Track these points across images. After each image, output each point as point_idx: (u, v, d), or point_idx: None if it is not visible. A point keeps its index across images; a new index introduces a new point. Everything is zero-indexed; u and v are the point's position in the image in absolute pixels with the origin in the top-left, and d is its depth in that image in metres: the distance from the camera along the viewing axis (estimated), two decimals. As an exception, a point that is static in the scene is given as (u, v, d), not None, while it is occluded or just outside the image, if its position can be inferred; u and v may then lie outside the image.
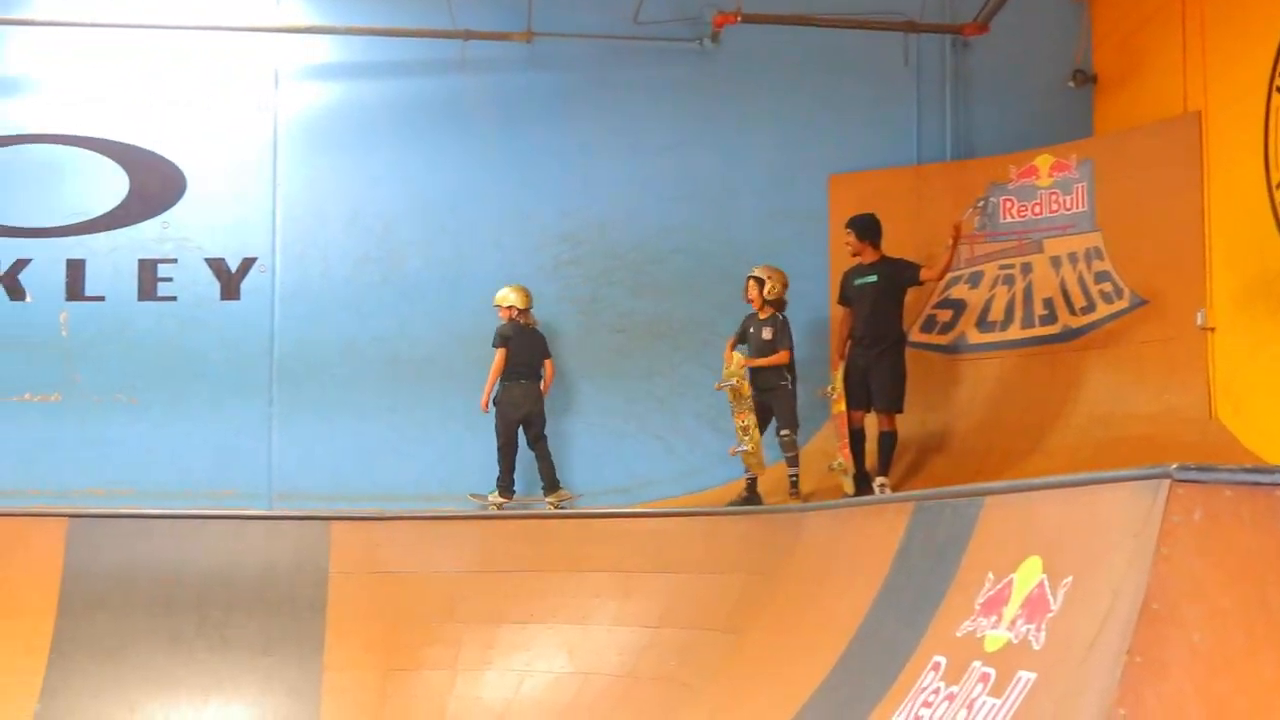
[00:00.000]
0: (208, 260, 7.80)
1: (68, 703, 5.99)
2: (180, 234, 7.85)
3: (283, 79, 7.77)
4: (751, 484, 6.66)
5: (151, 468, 7.46)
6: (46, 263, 7.72)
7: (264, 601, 6.38)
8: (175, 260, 7.81)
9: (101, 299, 7.77)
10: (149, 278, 7.82)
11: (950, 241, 6.38)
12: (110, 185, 7.82)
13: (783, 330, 6.62)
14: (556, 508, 6.79)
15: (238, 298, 7.76)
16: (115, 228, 7.77)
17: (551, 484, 6.91)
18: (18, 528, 6.90)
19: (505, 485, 6.91)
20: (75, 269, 7.77)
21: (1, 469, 7.78)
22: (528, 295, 7.02)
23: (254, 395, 7.63)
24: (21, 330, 7.65)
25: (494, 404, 6.91)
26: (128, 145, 7.80)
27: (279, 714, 6.05)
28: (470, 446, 7.41)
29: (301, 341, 7.60)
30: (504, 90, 7.73)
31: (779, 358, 6.56)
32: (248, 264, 7.84)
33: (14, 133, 7.75)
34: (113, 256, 7.75)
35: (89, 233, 7.79)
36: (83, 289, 7.79)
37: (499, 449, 6.91)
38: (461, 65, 7.70)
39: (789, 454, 6.53)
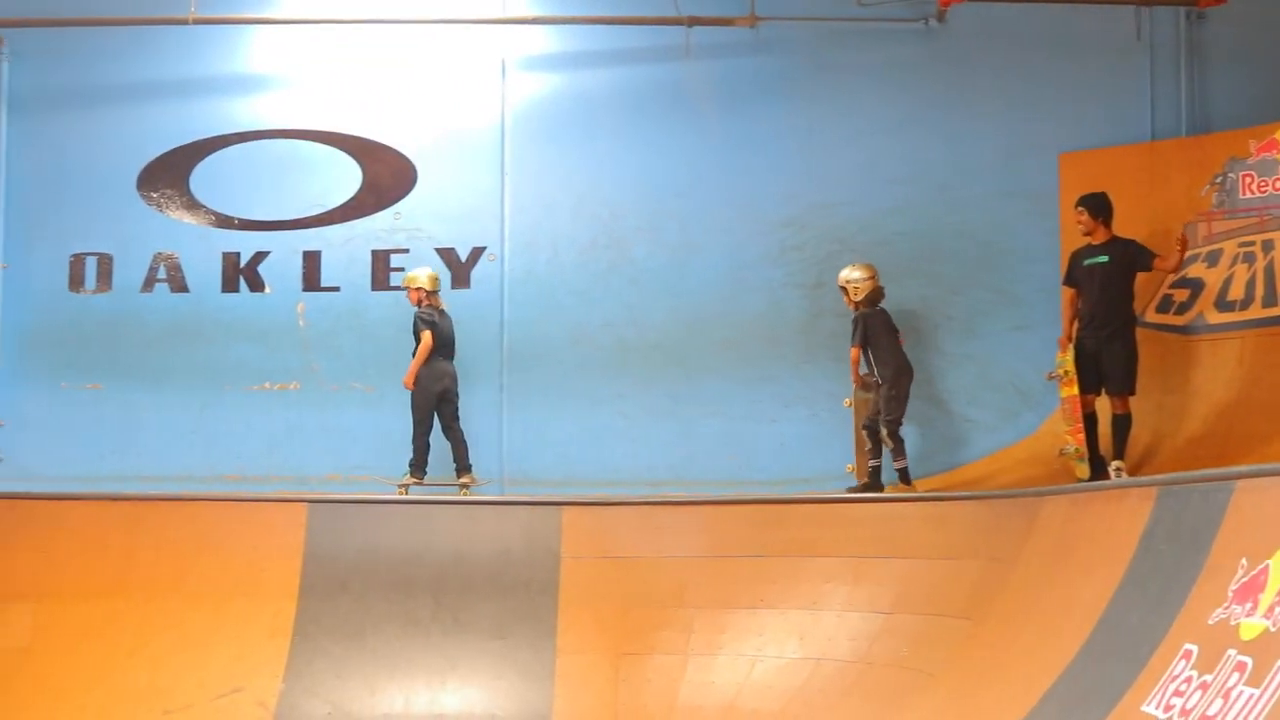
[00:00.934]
0: (438, 250, 9.45)
1: (310, 682, 7.11)
2: (411, 224, 9.51)
3: (509, 69, 9.38)
4: (875, 471, 8.05)
5: (387, 454, 8.91)
6: (284, 255, 9.48)
7: (497, 585, 7.40)
8: (407, 250, 9.44)
9: (337, 289, 9.49)
10: (382, 268, 9.49)
11: (1178, 247, 7.23)
12: (344, 178, 9.56)
13: (854, 330, 8.08)
14: (468, 491, 8.21)
15: (468, 286, 9.39)
16: (349, 219, 9.52)
17: (464, 466, 8.39)
18: (261, 513, 8.04)
19: (420, 464, 8.35)
20: (311, 260, 9.55)
21: (245, 455, 9.42)
22: (437, 278, 8.74)
23: (484, 382, 9.13)
24: (261, 321, 9.41)
25: (416, 382, 8.39)
26: (360, 139, 9.53)
27: (513, 696, 7.03)
28: (702, 431, 8.96)
29: (530, 328, 9.07)
30: (727, 75, 9.16)
31: (852, 358, 8.10)
32: (477, 253, 9.49)
33: (254, 128, 9.52)
34: (347, 248, 9.47)
35: (324, 225, 9.54)
36: (319, 280, 9.54)
37: (417, 425, 8.42)
38: (685, 51, 9.10)
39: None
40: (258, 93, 9.63)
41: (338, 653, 7.29)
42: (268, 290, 9.67)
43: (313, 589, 7.50)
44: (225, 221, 9.79)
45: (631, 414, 9.14)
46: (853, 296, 8.23)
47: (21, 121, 9.67)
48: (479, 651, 7.31)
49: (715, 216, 9.22)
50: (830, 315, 8.99)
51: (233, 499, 8.37)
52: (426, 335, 8.43)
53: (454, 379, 8.54)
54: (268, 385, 9.53)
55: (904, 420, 8.12)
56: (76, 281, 9.79)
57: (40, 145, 9.73)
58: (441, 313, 8.66)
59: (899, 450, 8.00)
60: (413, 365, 8.46)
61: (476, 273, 9.46)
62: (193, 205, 9.79)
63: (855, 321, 8.12)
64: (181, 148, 9.75)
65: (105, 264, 9.80)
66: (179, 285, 9.76)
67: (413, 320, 8.57)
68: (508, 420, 9.27)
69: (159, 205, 9.83)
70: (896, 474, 8.07)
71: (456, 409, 8.56)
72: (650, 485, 8.82)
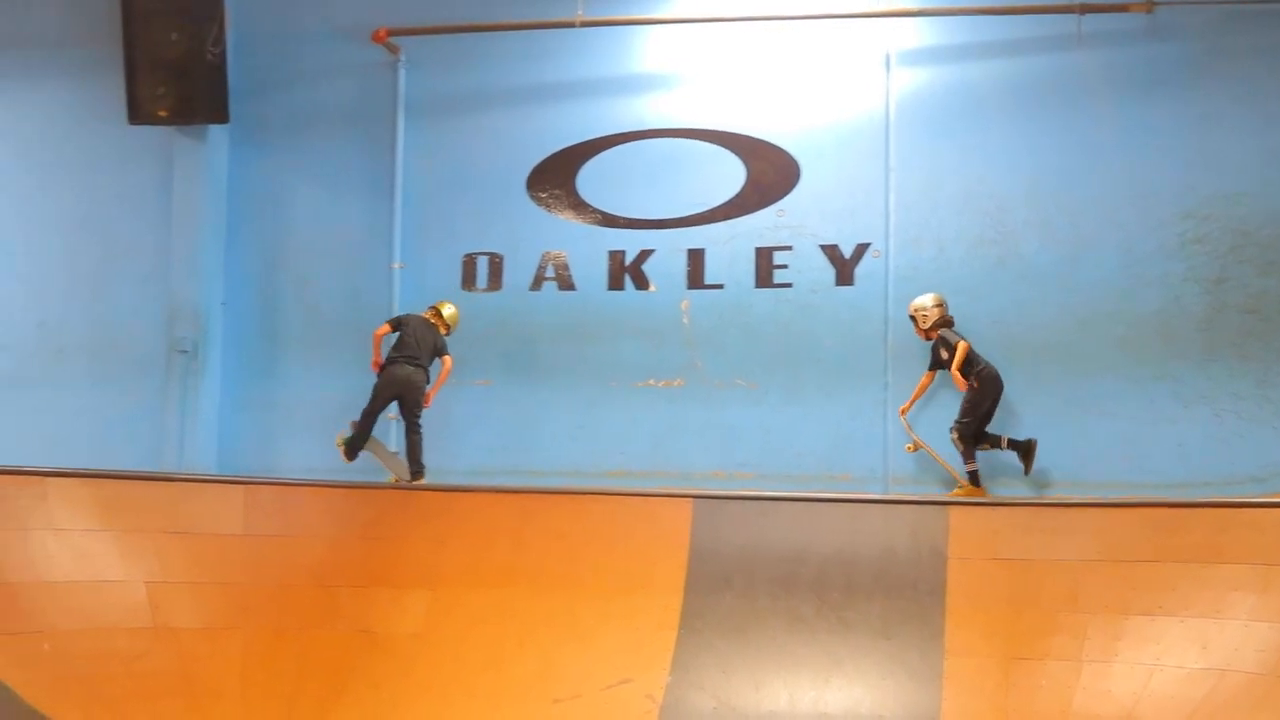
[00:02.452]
0: (822, 246, 11.92)
1: (696, 676, 8.36)
2: (795, 221, 12.05)
3: (894, 62, 11.69)
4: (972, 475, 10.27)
5: (770, 451, 11.36)
6: (668, 253, 12.07)
7: (882, 585, 8.60)
8: (790, 248, 11.97)
9: (720, 287, 11.99)
10: (765, 265, 11.99)
11: None
12: (728, 176, 12.11)
13: (937, 350, 10.67)
14: (398, 486, 10.30)
15: (852, 283, 11.73)
16: (733, 217, 12.10)
17: (416, 465, 10.79)
18: (648, 508, 9.70)
19: (354, 450, 10.97)
20: (695, 258, 12.07)
21: (630, 451, 11.97)
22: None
23: (869, 380, 11.49)
24: (647, 318, 11.92)
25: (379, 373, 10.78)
26: (744, 136, 12.06)
27: (900, 698, 8.12)
28: (1094, 431, 10.84)
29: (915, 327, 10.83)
30: (1121, 63, 11.17)
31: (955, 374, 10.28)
32: (861, 249, 11.85)
33: (639, 128, 12.23)
34: (730, 245, 12.04)
35: (708, 223, 12.18)
36: (703, 277, 12.01)
37: (365, 415, 11.00)
38: (1076, 40, 11.22)
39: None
40: (642, 92, 12.23)
41: (723, 647, 8.58)
42: (653, 288, 12.22)
43: (698, 584, 8.80)
44: (611, 220, 12.36)
45: (1020, 413, 11.10)
46: (921, 325, 10.90)
47: (417, 127, 12.53)
48: (865, 651, 8.46)
49: (1108, 209, 11.15)
50: (1234, 311, 10.92)
51: (620, 494, 10.11)
52: (383, 326, 11.22)
53: (416, 387, 11.34)
54: (652, 382, 12.04)
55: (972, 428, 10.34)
56: (469, 280, 12.49)
57: (434, 150, 12.55)
58: (421, 321, 11.63)
59: (969, 453, 10.46)
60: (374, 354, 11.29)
61: (860, 270, 11.85)
62: (579, 205, 12.35)
63: (938, 345, 10.74)
64: (569, 149, 12.43)
65: (496, 263, 12.54)
66: (566, 284, 12.32)
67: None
68: (892, 418, 11.41)
69: (547, 206, 12.39)
70: (968, 475, 10.45)
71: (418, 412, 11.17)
72: (1039, 486, 10.82)
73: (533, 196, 12.74)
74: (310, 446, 12.44)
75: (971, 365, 10.63)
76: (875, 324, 11.93)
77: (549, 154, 12.67)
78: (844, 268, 12.12)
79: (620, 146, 12.54)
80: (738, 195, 12.40)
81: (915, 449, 11.12)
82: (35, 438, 12.66)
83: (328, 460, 11.71)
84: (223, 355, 13.06)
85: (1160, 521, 8.91)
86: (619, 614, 8.89)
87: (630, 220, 12.54)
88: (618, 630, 8.83)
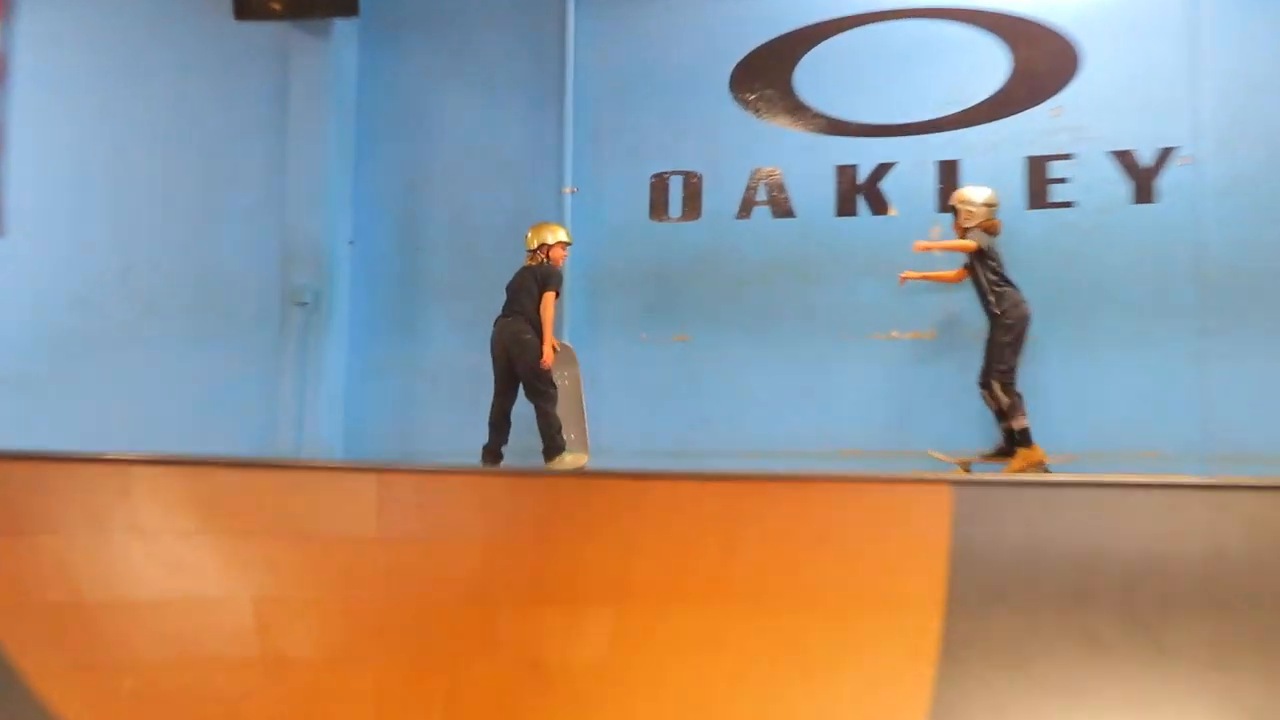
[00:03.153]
0: (1112, 154, 11.21)
1: None
2: (1076, 121, 11.35)
3: None
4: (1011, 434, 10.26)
5: (1050, 421, 10.53)
6: (912, 166, 11.58)
7: (1211, 598, 7.49)
8: (1071, 156, 11.33)
9: None
10: (1039, 179, 11.38)
11: None
12: (987, 67, 11.65)
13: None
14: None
15: (1152, 200, 11.09)
16: (995, 119, 11.60)
17: (549, 442, 10.74)
18: (894, 498, 8.45)
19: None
20: (948, 172, 11.55)
21: (870, 424, 11.47)
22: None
23: (1179, 325, 10.71)
24: (887, 252, 11.38)
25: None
26: (1009, 15, 11.47)
27: None
28: None
29: (1242, 254, 10.49)
30: None
31: (979, 286, 10.43)
32: (1165, 155, 11.13)
33: (872, 9, 11.74)
34: (993, 155, 11.46)
35: (963, 126, 11.68)
36: None
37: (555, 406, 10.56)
38: None
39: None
40: (881, -37, 10.71)
41: (995, 680, 7.73)
42: (893, 212, 11.79)
43: (962, 599, 7.90)
44: (838, 127, 11.98)
45: None
46: (961, 222, 10.86)
47: (591, 15, 12.34)
48: (1189, 686, 7.55)
49: None
50: None
51: (857, 480, 8.96)
52: (554, 298, 10.75)
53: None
54: (895, 334, 11.55)
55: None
56: (659, 207, 12.20)
57: (614, 44, 12.29)
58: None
59: (1015, 407, 10.19)
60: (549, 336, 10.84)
61: (1164, 181, 11.11)
62: (798, 109, 11.96)
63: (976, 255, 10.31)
64: (783, 38, 12.03)
65: (693, 185, 12.13)
66: (783, 209, 11.96)
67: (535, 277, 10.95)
68: (1213, 376, 10.80)
69: (757, 110, 11.99)
70: (1016, 435, 9.99)
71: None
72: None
73: (738, 99, 12.41)
74: (460, 421, 11.92)
75: (999, 286, 10.58)
76: (1185, 252, 11.22)
77: (758, 44, 12.34)
78: (1142, 180, 11.50)
79: (850, 33, 12.19)
80: (1001, 91, 11.94)
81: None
82: (119, 414, 12.79)
83: (482, 440, 10.99)
84: (351, 308, 13.03)
85: None
86: (860, 640, 8.04)
87: (863, 126, 12.18)
88: (859, 662, 7.99)
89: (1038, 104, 11.84)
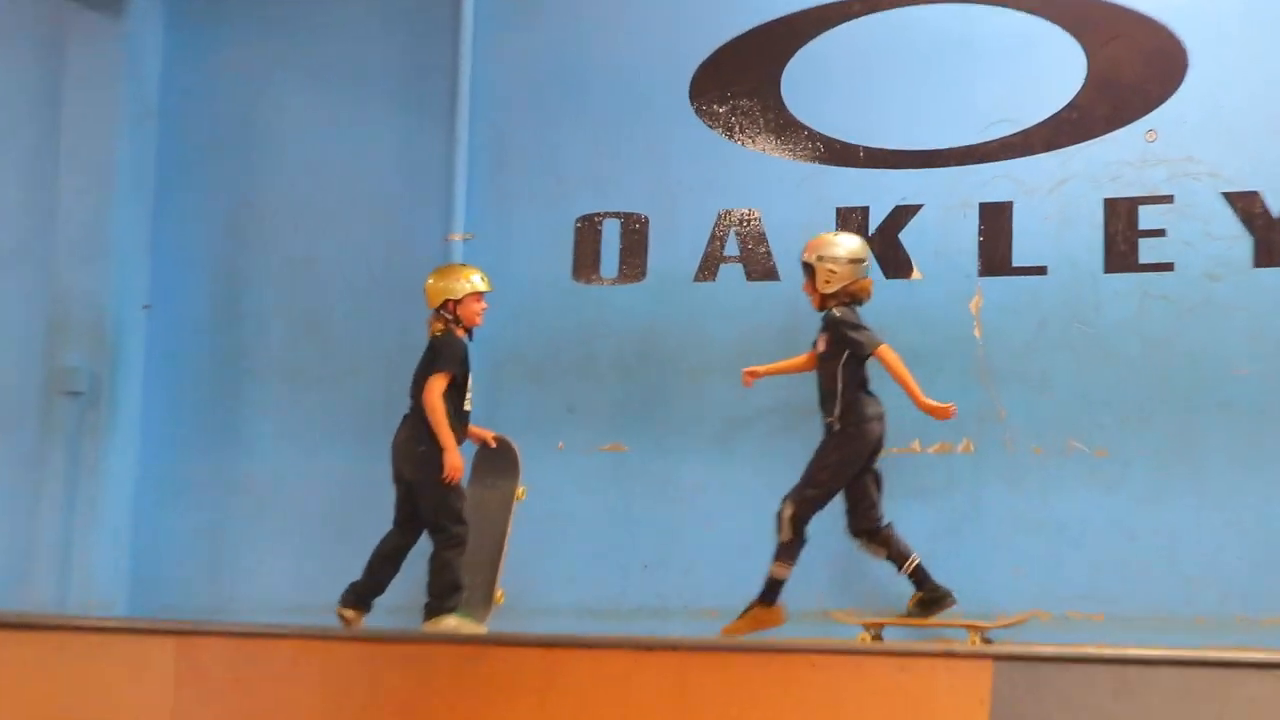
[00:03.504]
0: (1228, 196, 9.77)
1: None
2: (1178, 150, 9.90)
3: None
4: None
5: (1134, 574, 9.86)
6: (945, 210, 10.26)
7: None
8: (1171, 198, 9.87)
9: (1042, 271, 10.06)
10: (1124, 230, 9.95)
11: None
12: (1055, 70, 10.19)
13: (832, 335, 9.19)
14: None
15: None
16: (1063, 145, 10.10)
17: (436, 591, 9.45)
18: (911, 677, 8.62)
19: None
20: (995, 219, 10.26)
21: (879, 574, 10.27)
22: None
23: None
24: (909, 329, 10.06)
25: None
26: (1082, 2, 10.02)
27: None
28: None
29: None
30: None
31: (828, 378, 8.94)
32: None
33: None
34: (1060, 195, 10.07)
35: (1017, 155, 10.25)
36: (1009, 253, 10.24)
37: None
38: None
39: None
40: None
41: None
42: (917, 275, 10.35)
43: None
44: (842, 154, 10.58)
45: None
46: (818, 285, 9.32)
47: (485, 25, 11.26)
48: None
49: None
50: None
51: (855, 652, 9.00)
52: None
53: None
54: (917, 447, 10.15)
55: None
56: (586, 264, 10.94)
57: (527, 34, 11.39)
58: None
59: (790, 550, 9.23)
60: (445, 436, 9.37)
61: None
62: (786, 128, 10.63)
63: (833, 322, 9.39)
64: (766, 29, 10.74)
65: (635, 233, 10.88)
66: (762, 268, 10.61)
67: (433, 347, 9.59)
68: None
69: (728, 129, 10.70)
70: (766, 585, 8.96)
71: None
72: None
73: (702, 114, 11.00)
74: (296, 564, 11.14)
75: (852, 389, 9.36)
76: None
77: (731, 37, 11.00)
78: (1271, 234, 9.90)
79: (858, 22, 10.82)
80: (1073, 105, 10.34)
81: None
82: None
83: (336, 590, 9.70)
84: (144, 401, 11.81)
85: None
86: None
87: (877, 154, 10.72)
88: None
89: (1125, 124, 10.40)
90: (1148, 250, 10.05)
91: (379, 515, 9.87)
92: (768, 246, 10.82)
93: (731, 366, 10.24)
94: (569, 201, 11.11)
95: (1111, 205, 10.15)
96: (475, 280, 9.46)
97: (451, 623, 9.30)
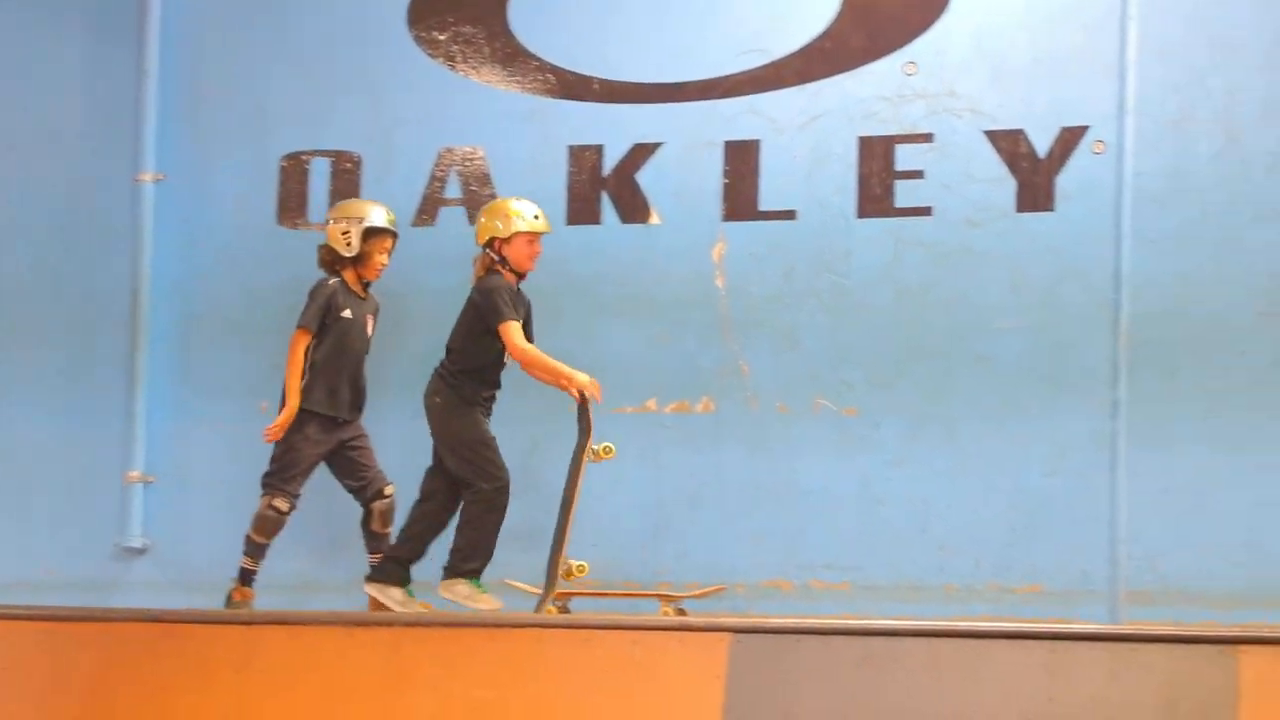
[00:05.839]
0: (989, 134, 9.38)
1: None
2: (938, 85, 9.49)
3: None
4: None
5: (881, 541, 9.77)
6: (688, 150, 9.82)
7: None
8: (930, 136, 9.47)
9: (791, 215, 9.72)
10: (880, 172, 9.55)
11: None
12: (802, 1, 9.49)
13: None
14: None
15: (1050, 208, 9.32)
16: (815, 78, 9.67)
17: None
18: (642, 652, 8.60)
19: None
20: (741, 159, 9.71)
21: (613, 542, 10.00)
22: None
23: (1082, 398, 9.47)
24: (645, 280, 10.02)
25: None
26: None
27: None
28: None
29: (1179, 291, 9.23)
30: None
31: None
32: (1070, 140, 9.29)
33: None
34: (811, 132, 9.63)
35: (765, 89, 9.75)
36: (755, 197, 9.78)
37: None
38: None
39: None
40: None
41: None
42: (656, 219, 9.89)
43: None
44: (575, 87, 10.10)
45: None
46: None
47: None
48: None
49: None
50: None
51: (584, 627, 8.77)
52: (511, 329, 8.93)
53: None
54: (653, 405, 9.77)
55: None
56: (293, 207, 10.40)
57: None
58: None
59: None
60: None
61: (1068, 180, 9.35)
62: (514, 57, 10.12)
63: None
64: None
65: (347, 172, 10.32)
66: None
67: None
68: (1129, 474, 9.26)
69: (450, 59, 10.17)
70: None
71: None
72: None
73: (420, 41, 10.48)
74: None
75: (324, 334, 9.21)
76: (1096, 287, 9.49)
77: None
78: (1035, 177, 9.59)
79: None
80: (827, 34, 9.87)
81: None
82: None
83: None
84: None
85: None
86: None
87: (613, 86, 10.28)
88: None
89: (881, 57, 9.96)
90: (904, 193, 9.77)
91: (58, 482, 10.11)
92: (493, 188, 10.29)
93: (450, 318, 9.87)
94: (273, 138, 10.61)
95: (866, 144, 9.85)
96: (528, 218, 8.88)
97: (464, 589, 8.88)
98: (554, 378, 8.70)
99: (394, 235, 9.56)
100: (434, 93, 10.39)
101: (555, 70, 10.25)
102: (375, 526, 9.53)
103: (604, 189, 10.11)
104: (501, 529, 8.85)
